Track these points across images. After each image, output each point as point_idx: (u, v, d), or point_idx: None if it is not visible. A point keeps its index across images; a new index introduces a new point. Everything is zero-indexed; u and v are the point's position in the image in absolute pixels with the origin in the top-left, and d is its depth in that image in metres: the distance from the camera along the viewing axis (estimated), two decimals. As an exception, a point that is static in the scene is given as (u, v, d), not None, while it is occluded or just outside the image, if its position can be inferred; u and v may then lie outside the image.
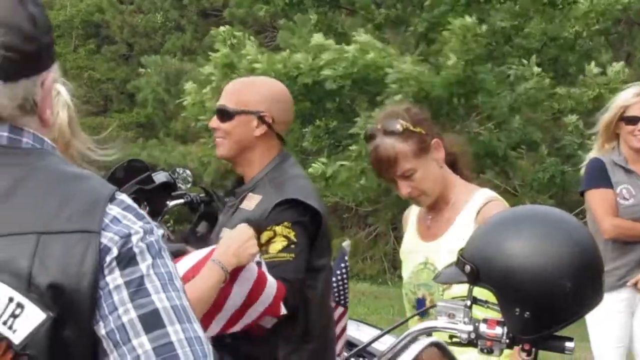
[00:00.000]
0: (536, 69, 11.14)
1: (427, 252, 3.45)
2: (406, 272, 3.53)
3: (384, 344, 3.31)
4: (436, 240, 3.43)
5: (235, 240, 3.19)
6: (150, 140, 19.91)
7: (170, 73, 18.81)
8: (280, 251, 3.43)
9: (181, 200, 4.75)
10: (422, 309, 3.36)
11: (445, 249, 3.35)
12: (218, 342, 3.36)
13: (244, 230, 3.22)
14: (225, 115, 3.69)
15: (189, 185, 5.41)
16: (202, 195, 4.78)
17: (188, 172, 5.76)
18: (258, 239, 3.30)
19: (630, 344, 5.37)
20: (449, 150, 3.43)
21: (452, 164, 3.43)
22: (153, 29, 22.51)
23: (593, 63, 11.77)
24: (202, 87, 11.76)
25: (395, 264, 20.29)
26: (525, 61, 11.33)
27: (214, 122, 3.73)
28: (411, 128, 3.35)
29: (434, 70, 11.11)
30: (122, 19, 23.07)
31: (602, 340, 5.30)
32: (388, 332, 2.60)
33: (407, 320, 3.09)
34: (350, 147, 11.64)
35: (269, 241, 3.45)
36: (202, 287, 3.10)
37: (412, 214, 3.63)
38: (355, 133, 11.45)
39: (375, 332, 3.56)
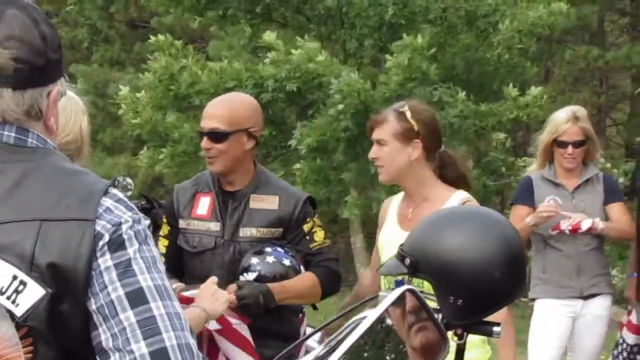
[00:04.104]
0: (461, 95, 11.26)
1: None
2: (386, 257, 3.79)
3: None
4: None
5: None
6: (78, 152, 19.81)
7: (98, 82, 18.78)
8: (324, 238, 4.02)
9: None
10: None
11: None
12: (252, 323, 3.80)
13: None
14: (219, 136, 3.97)
15: (129, 193, 5.56)
16: (144, 202, 4.95)
17: (128, 180, 5.89)
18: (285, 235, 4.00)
19: (569, 343, 5.71)
20: (459, 166, 3.85)
21: (460, 177, 3.84)
22: (79, 40, 22.35)
23: (511, 85, 11.91)
24: (136, 91, 11.81)
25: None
26: (450, 84, 11.46)
27: (207, 143, 3.99)
28: (407, 117, 3.73)
29: (371, 85, 11.28)
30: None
31: (540, 342, 5.65)
32: (340, 317, 2.75)
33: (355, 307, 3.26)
34: (295, 166, 11.79)
35: (311, 231, 3.98)
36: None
37: (392, 207, 3.97)
38: (291, 146, 11.64)
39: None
